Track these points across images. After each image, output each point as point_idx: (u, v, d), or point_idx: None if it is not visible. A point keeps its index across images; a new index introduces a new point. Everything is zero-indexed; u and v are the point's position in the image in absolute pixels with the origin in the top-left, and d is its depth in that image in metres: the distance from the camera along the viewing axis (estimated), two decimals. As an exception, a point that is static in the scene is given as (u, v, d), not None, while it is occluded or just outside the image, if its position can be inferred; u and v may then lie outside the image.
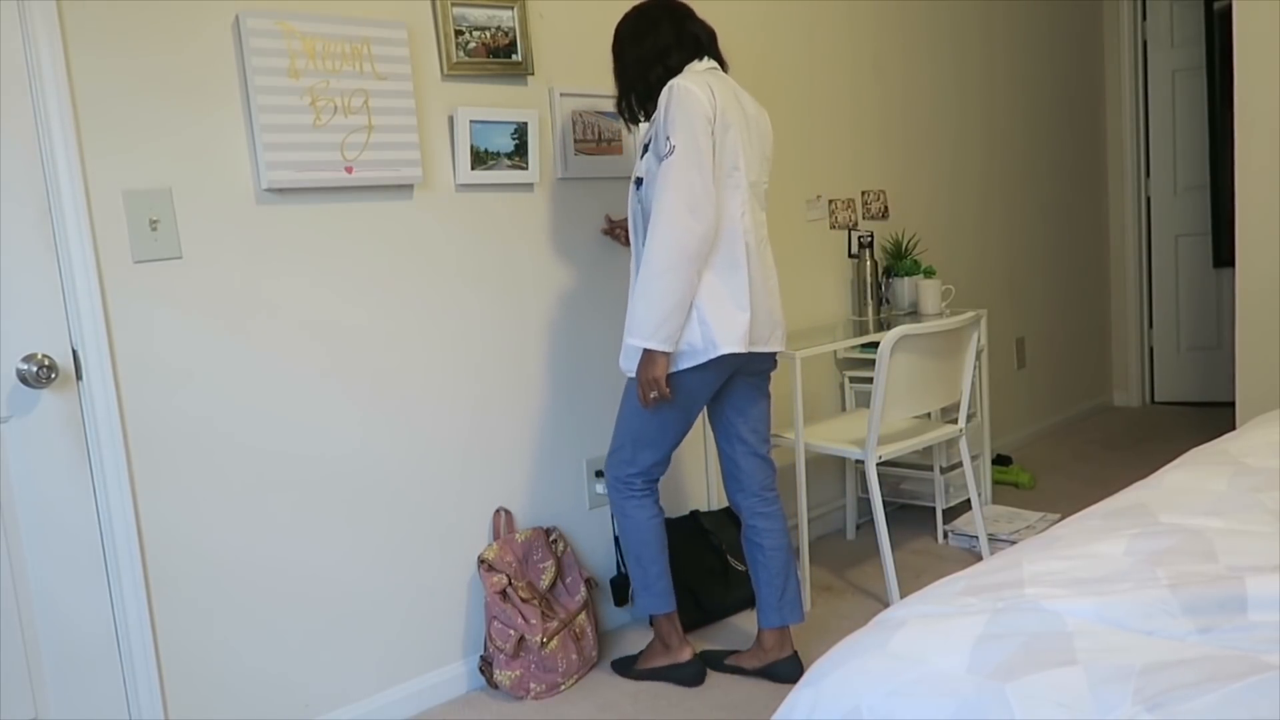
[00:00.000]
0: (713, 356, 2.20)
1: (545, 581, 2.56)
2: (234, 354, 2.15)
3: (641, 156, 2.30)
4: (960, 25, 4.14)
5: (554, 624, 2.49)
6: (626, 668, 2.58)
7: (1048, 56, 4.71)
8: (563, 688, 2.50)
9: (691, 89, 2.15)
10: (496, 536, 2.59)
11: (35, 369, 1.87)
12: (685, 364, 2.22)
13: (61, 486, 1.95)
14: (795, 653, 2.48)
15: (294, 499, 2.26)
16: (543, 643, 2.46)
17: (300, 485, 2.27)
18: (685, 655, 2.50)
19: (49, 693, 1.95)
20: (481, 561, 2.51)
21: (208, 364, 2.12)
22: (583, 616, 2.59)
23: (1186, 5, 4.87)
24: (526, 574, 2.55)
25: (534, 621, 2.45)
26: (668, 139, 2.13)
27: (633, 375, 2.27)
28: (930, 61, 3.98)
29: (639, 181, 2.31)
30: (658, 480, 2.46)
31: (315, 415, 2.28)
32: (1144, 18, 5.00)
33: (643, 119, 2.41)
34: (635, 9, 2.37)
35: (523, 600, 2.47)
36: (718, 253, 2.21)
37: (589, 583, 2.67)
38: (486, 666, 2.51)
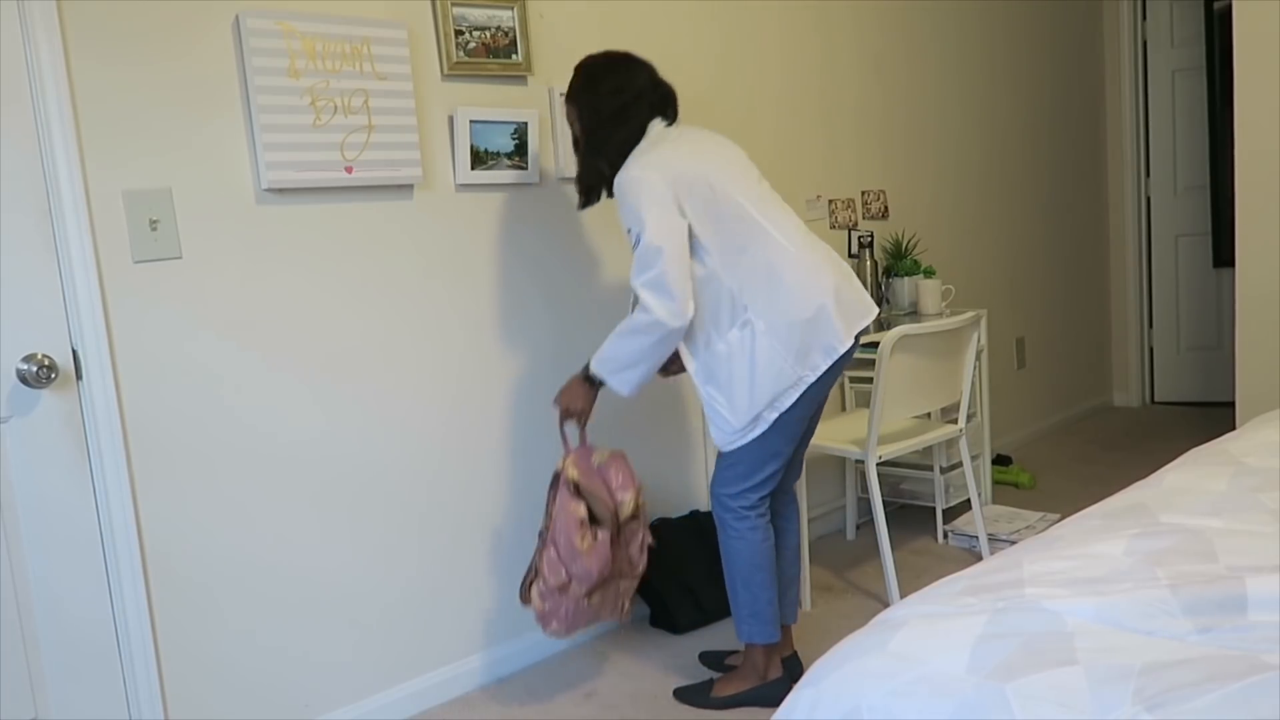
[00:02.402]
0: (846, 348, 2.19)
1: (626, 510, 2.33)
2: (234, 354, 2.15)
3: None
4: (960, 25, 4.14)
5: (605, 577, 2.32)
6: (699, 698, 2.40)
7: (1048, 56, 4.71)
8: (577, 634, 2.39)
9: (637, 178, 2.11)
10: (566, 448, 2.36)
11: (35, 369, 1.87)
12: (832, 358, 2.18)
13: (61, 486, 1.95)
14: (795, 652, 2.48)
15: (295, 499, 2.26)
16: (586, 596, 2.30)
17: (301, 485, 2.27)
18: (777, 673, 2.39)
19: (49, 693, 1.95)
20: (562, 479, 2.29)
21: (208, 364, 2.12)
22: (631, 584, 2.41)
23: (1186, 5, 4.87)
24: (608, 502, 2.32)
25: (595, 573, 2.26)
26: (629, 231, 2.14)
27: (750, 438, 2.22)
28: (930, 61, 3.98)
29: None
30: (770, 495, 2.34)
31: (314, 415, 2.28)
32: (1144, 18, 5.00)
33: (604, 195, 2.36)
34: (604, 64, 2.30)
35: (607, 539, 2.27)
36: (760, 303, 2.15)
37: (651, 550, 2.46)
38: (528, 586, 2.34)
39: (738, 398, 2.19)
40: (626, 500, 2.33)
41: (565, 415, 2.33)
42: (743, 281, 2.15)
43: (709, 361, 2.22)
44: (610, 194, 2.27)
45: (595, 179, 2.29)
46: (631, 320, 2.14)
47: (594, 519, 2.29)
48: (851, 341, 2.20)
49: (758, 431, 2.21)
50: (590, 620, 2.38)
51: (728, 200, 2.15)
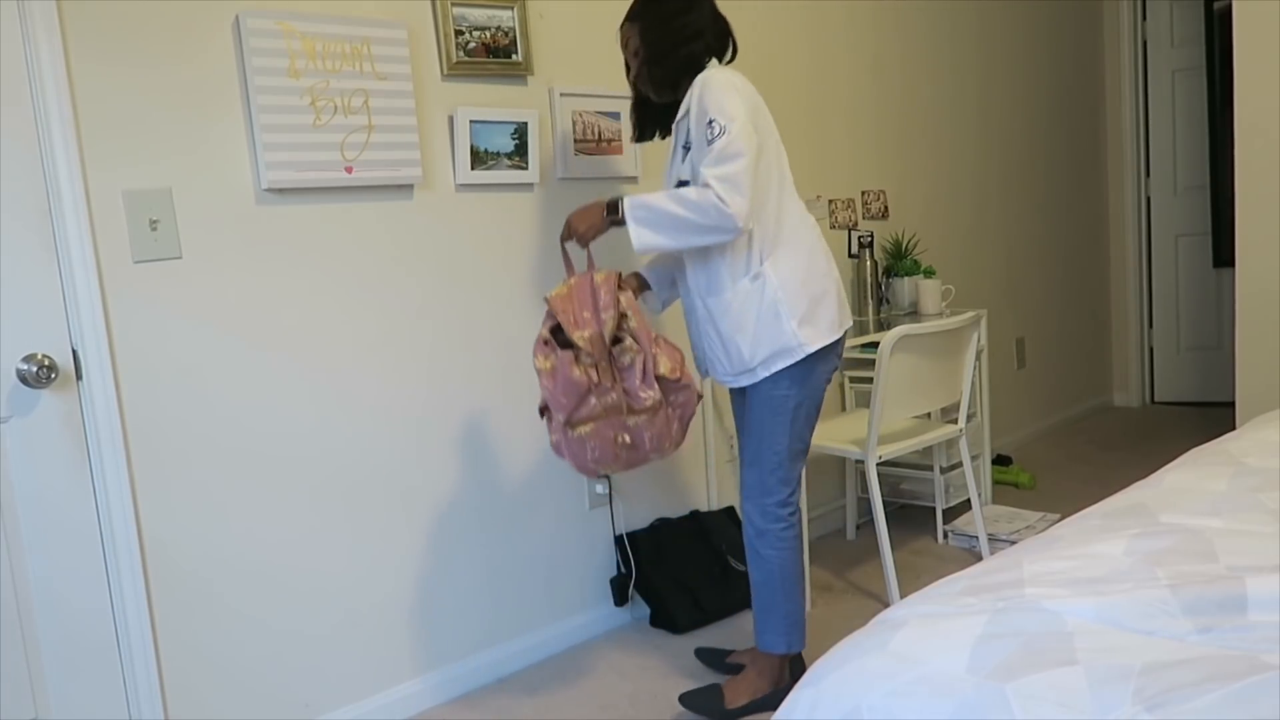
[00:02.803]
0: (840, 335, 2.25)
1: (608, 329, 2.13)
2: (234, 353, 2.15)
3: (683, 160, 2.20)
4: (960, 26, 4.14)
5: (590, 409, 2.13)
6: (711, 704, 2.33)
7: (1047, 57, 4.71)
8: (599, 472, 2.25)
9: (729, 80, 2.11)
10: (568, 270, 2.28)
11: (35, 369, 1.87)
12: (839, 331, 2.23)
13: (61, 486, 1.95)
14: (798, 653, 2.47)
15: (295, 499, 2.26)
16: (570, 424, 2.14)
17: (301, 485, 2.27)
18: (788, 678, 2.36)
19: (49, 692, 1.95)
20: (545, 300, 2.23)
21: (208, 363, 2.12)
22: (641, 419, 2.15)
23: (1186, 5, 4.87)
24: (590, 322, 2.14)
25: (563, 399, 2.11)
26: (711, 123, 2.05)
27: (741, 384, 2.26)
28: (930, 62, 3.98)
29: (682, 184, 2.21)
30: None
31: (314, 415, 2.28)
32: (1144, 18, 5.00)
33: (656, 137, 2.39)
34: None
35: (567, 359, 2.10)
36: (802, 245, 2.21)
37: (666, 382, 2.15)
38: None
39: (734, 350, 2.22)
40: (607, 320, 2.14)
41: (568, 233, 2.26)
42: (765, 231, 2.17)
43: (714, 308, 2.23)
44: (664, 134, 2.33)
45: (650, 105, 2.29)
46: (702, 194, 2.02)
47: (562, 342, 2.14)
48: (843, 332, 2.26)
49: (749, 381, 2.23)
50: (601, 461, 2.19)
51: (774, 152, 2.19)
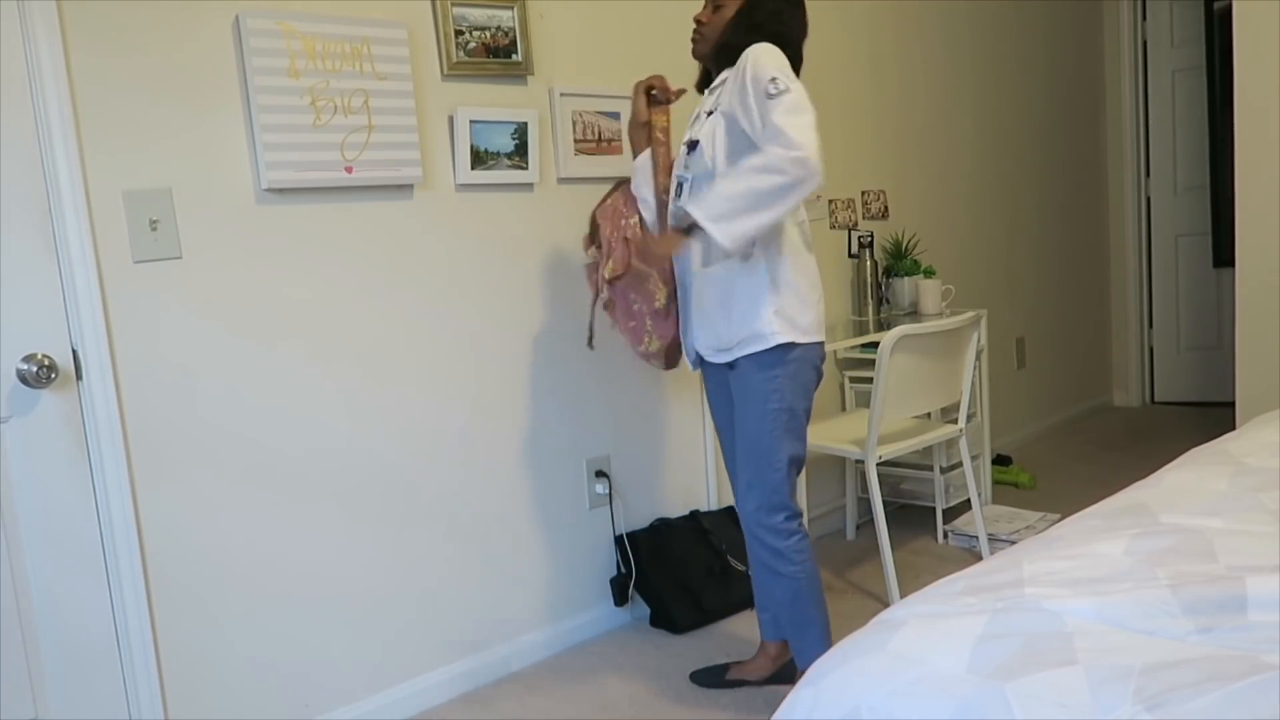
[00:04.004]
0: (818, 340, 2.23)
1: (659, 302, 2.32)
2: (234, 353, 2.15)
3: (706, 117, 2.18)
4: (960, 25, 4.14)
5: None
6: (744, 681, 2.47)
7: (1047, 56, 4.71)
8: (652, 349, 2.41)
9: (785, 61, 2.07)
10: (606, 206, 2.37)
11: (35, 369, 1.88)
12: (818, 335, 2.21)
13: (61, 486, 1.95)
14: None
15: (295, 498, 2.26)
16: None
17: (301, 484, 2.27)
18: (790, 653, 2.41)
19: (49, 693, 1.95)
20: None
21: (208, 363, 2.12)
22: (611, 313, 2.41)
23: (1186, 5, 4.87)
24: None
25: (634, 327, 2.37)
26: (774, 80, 1.98)
27: (720, 360, 2.24)
28: (930, 61, 3.98)
29: (693, 145, 2.20)
30: None
31: (315, 414, 2.28)
32: (1144, 18, 5.00)
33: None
34: None
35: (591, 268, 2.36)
36: (798, 240, 2.22)
37: (611, 284, 2.37)
38: None
39: (720, 323, 2.21)
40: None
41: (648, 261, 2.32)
42: None
43: (704, 278, 2.22)
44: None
45: (720, 48, 2.21)
46: (768, 154, 1.94)
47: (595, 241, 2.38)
48: (819, 339, 2.23)
49: (726, 358, 2.22)
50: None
51: None
